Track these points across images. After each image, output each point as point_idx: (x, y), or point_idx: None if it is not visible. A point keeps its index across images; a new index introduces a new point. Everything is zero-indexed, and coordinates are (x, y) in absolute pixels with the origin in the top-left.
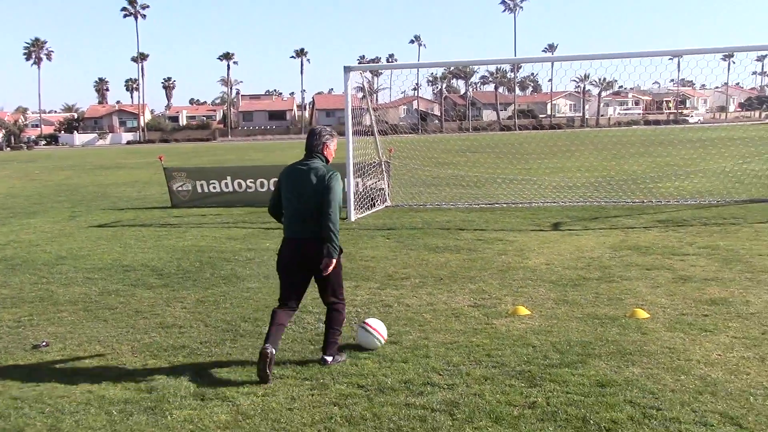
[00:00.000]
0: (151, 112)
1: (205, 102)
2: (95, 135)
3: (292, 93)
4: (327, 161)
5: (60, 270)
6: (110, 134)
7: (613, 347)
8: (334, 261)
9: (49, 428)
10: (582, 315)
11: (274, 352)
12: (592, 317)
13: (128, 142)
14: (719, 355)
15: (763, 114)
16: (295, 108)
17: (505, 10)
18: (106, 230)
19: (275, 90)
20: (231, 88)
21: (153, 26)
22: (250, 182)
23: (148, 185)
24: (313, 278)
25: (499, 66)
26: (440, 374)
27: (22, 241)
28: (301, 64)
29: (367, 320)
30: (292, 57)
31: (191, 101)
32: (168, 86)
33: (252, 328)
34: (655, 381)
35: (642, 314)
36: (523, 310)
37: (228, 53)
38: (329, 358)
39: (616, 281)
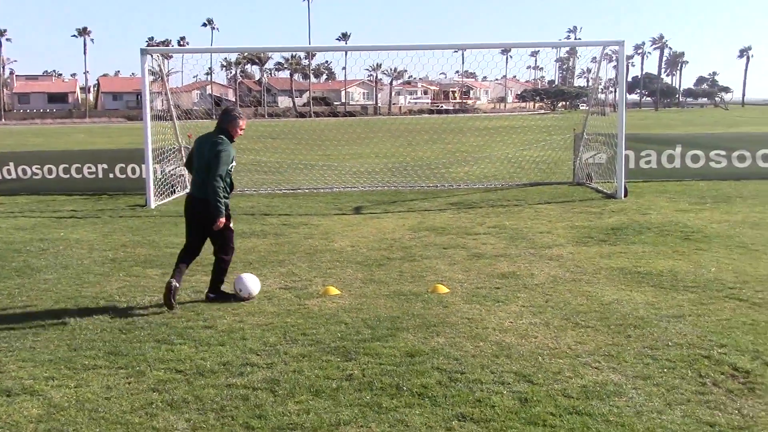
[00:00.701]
0: None
1: None
2: None
3: (74, 74)
4: (231, 137)
5: None
6: None
7: (419, 320)
8: (219, 220)
9: None
10: (388, 292)
11: (177, 285)
12: (398, 294)
13: None
14: (511, 322)
15: (537, 105)
16: (78, 90)
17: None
18: None
19: (55, 71)
20: (3, 68)
21: None
22: (36, 169)
23: None
24: None
25: (294, 53)
26: (258, 354)
27: None
28: (84, 44)
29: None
30: (74, 36)
31: None
32: None
33: (54, 320)
34: (457, 348)
35: (442, 289)
36: (334, 290)
37: (0, 30)
38: (213, 295)
39: (417, 260)
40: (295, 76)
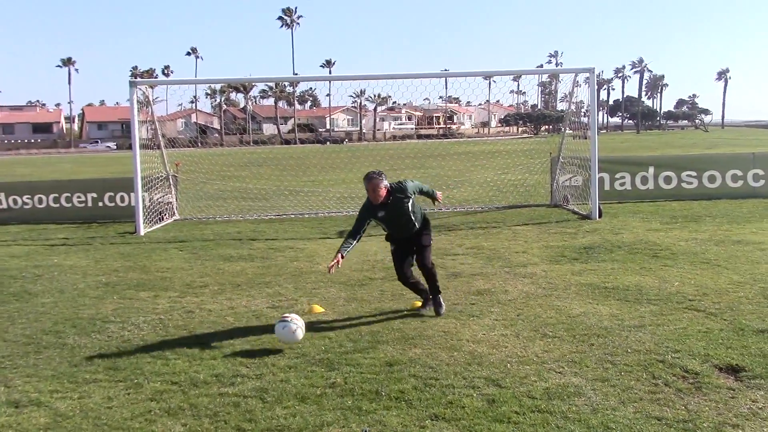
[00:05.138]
0: None
1: None
2: None
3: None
4: (369, 199)
5: None
6: None
7: (398, 334)
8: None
9: None
10: (370, 309)
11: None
12: (379, 311)
13: None
14: (484, 334)
15: (520, 129)
16: (62, 120)
17: (282, 26)
18: None
19: (38, 101)
20: None
21: None
22: (27, 198)
23: None
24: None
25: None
26: (248, 367)
27: None
28: (69, 74)
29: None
30: (59, 66)
31: None
32: None
33: (55, 340)
34: (433, 358)
35: (418, 305)
36: (318, 308)
37: None
38: (440, 297)
39: (397, 280)
40: (280, 103)
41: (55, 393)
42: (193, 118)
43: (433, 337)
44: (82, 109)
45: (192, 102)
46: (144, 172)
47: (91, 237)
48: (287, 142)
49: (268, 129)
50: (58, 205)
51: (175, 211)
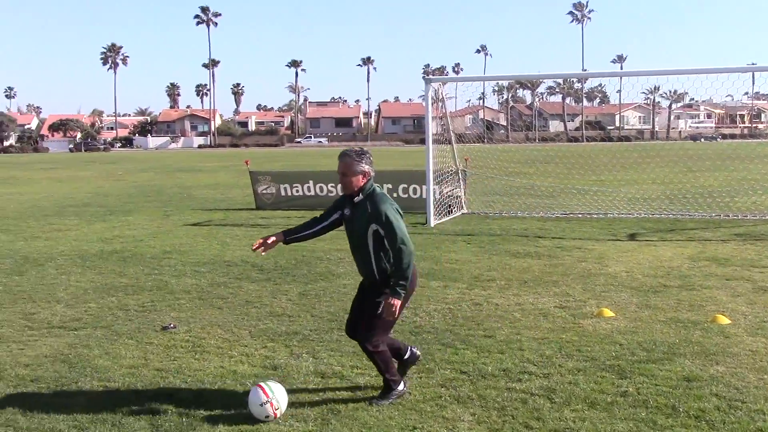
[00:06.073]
0: (221, 116)
1: (272, 108)
2: (168, 138)
3: (358, 100)
4: None
5: (168, 263)
6: (182, 138)
7: (697, 348)
8: None
9: (194, 395)
10: (665, 319)
11: None
12: (674, 321)
13: (200, 146)
14: None
15: None
16: (361, 115)
17: (572, 21)
18: (200, 228)
19: (341, 97)
20: (299, 95)
21: (224, 33)
22: (331, 186)
23: (230, 188)
24: None
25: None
26: (535, 365)
27: (126, 237)
28: (368, 72)
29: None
30: (359, 65)
31: (258, 107)
32: (237, 92)
33: None
34: (739, 378)
35: (723, 320)
36: (608, 312)
37: (296, 61)
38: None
39: (697, 289)
40: (567, 100)
41: (355, 368)
42: (481, 115)
43: (739, 356)
44: (379, 105)
45: (480, 98)
46: (435, 166)
47: None
48: (574, 139)
49: (555, 126)
50: None
51: (464, 205)
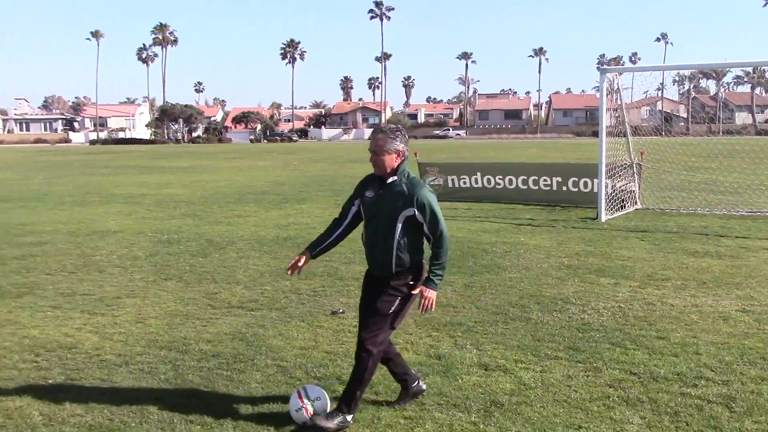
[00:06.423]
0: (391, 109)
1: (441, 100)
2: (340, 130)
3: (528, 92)
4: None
5: (338, 250)
6: (354, 130)
7: None
8: None
9: None
10: None
11: None
12: None
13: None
14: None
15: None
16: (531, 107)
17: (765, 5)
18: None
19: (510, 89)
20: (468, 87)
21: (396, 27)
22: (499, 179)
23: None
24: None
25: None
26: (713, 371)
27: (300, 224)
28: (539, 63)
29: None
30: (530, 56)
31: (428, 99)
32: (407, 85)
33: (520, 313)
34: None
35: None
36: None
37: (466, 53)
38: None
39: None
40: (757, 90)
41: (519, 362)
42: (659, 106)
43: None
44: (550, 97)
45: (658, 89)
46: (608, 159)
47: (554, 219)
48: (764, 132)
49: (742, 118)
50: (525, 186)
51: (637, 200)
